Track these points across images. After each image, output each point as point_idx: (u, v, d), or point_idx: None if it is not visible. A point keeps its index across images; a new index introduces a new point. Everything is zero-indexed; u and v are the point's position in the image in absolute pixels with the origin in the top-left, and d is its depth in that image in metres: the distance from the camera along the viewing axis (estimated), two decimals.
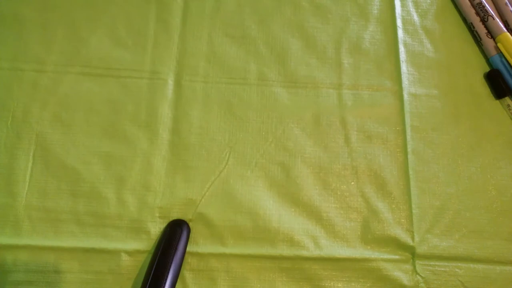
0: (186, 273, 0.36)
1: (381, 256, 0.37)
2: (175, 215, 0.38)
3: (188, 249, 0.37)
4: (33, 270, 0.36)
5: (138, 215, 0.38)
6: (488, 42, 0.44)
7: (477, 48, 0.45)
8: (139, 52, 0.43)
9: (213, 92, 0.42)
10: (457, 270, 0.37)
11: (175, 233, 0.36)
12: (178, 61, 0.43)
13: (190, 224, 0.38)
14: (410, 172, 0.40)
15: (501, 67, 0.43)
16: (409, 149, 0.41)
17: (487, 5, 0.45)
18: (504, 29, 0.43)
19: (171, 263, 0.34)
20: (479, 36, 0.45)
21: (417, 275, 0.37)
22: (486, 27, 0.44)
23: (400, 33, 0.45)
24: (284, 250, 0.37)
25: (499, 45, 0.43)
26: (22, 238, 0.37)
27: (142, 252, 0.37)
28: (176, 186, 0.39)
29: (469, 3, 0.46)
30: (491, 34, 0.44)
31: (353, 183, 0.40)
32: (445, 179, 0.40)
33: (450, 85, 0.44)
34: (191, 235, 0.37)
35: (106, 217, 0.38)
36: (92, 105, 0.41)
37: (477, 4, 0.45)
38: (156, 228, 0.37)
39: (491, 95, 0.43)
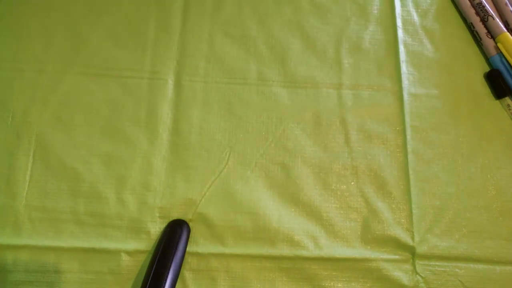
0: (186, 273, 0.36)
1: (381, 256, 0.37)
2: (175, 215, 0.38)
3: (188, 249, 0.37)
4: (33, 270, 0.36)
5: (138, 215, 0.38)
6: (488, 42, 0.44)
7: (477, 48, 0.45)
8: (139, 52, 0.43)
9: (213, 92, 0.42)
10: (457, 270, 0.37)
11: (175, 233, 0.36)
12: (178, 61, 0.43)
13: (190, 224, 0.38)
14: (410, 172, 0.40)
15: (501, 67, 0.43)
16: (409, 149, 0.41)
17: (487, 5, 0.45)
18: (504, 29, 0.43)
19: (171, 263, 0.34)
20: (479, 36, 0.45)
21: (417, 275, 0.37)
22: (486, 27, 0.44)
23: (400, 33, 0.45)
24: (284, 250, 0.37)
25: (499, 45, 0.43)
26: (22, 238, 0.37)
27: (142, 252, 0.37)
28: (176, 186, 0.39)
29: (469, 3, 0.46)
30: (491, 34, 0.44)
31: (353, 183, 0.40)
32: (445, 179, 0.40)
33: (450, 85, 0.44)
34: (191, 235, 0.37)
35: (106, 217, 0.38)
36: (92, 105, 0.41)
37: (477, 4, 0.45)
38: (156, 228, 0.37)
39: (491, 95, 0.43)
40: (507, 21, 0.45)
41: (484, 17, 0.44)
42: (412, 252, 0.38)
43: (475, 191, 0.40)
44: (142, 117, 0.41)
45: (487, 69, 0.44)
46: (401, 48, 0.45)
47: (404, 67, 0.44)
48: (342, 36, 0.45)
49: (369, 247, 0.38)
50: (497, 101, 0.43)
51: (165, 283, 0.33)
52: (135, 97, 0.41)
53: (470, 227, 0.39)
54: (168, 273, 0.33)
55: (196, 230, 0.38)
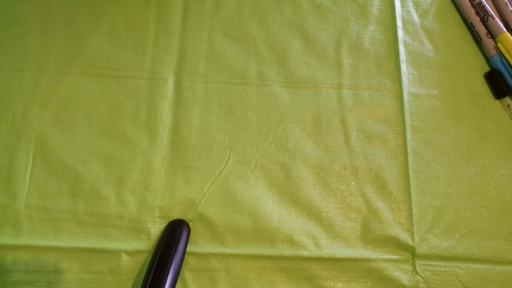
0: (186, 273, 0.36)
1: (381, 256, 0.37)
2: (175, 215, 0.38)
3: (188, 249, 0.37)
4: (33, 270, 0.36)
5: (138, 215, 0.38)
6: (488, 42, 0.44)
7: (477, 48, 0.45)
8: (139, 52, 0.43)
9: (213, 92, 0.42)
10: (457, 270, 0.37)
11: (175, 233, 0.36)
12: (178, 61, 0.43)
13: (190, 224, 0.38)
14: (410, 172, 0.40)
15: (501, 67, 0.43)
16: (409, 149, 0.41)
17: (487, 5, 0.45)
18: (504, 29, 0.43)
19: (171, 263, 0.34)
20: (479, 36, 0.45)
21: (417, 275, 0.37)
22: (486, 27, 0.44)
23: (400, 33, 0.45)
24: (284, 250, 0.37)
25: (499, 45, 0.43)
26: (22, 238, 0.37)
27: (142, 252, 0.37)
28: (176, 186, 0.39)
29: (469, 3, 0.46)
30: (491, 34, 0.44)
31: (353, 183, 0.40)
32: (445, 179, 0.40)
33: (450, 85, 0.44)
34: (191, 235, 0.37)
35: (106, 217, 0.38)
36: (92, 105, 0.41)
37: (477, 4, 0.45)
38: (156, 228, 0.37)
39: (491, 95, 0.43)
40: (507, 21, 0.45)
41: (484, 17, 0.44)
42: (412, 252, 0.38)
43: (475, 191, 0.40)
44: (142, 117, 0.41)
45: (487, 69, 0.44)
46: (401, 48, 0.45)
47: (404, 67, 0.44)
48: (342, 36, 0.45)
49: (369, 247, 0.38)
50: (497, 101, 0.43)
51: (165, 283, 0.33)
52: (135, 97, 0.41)
53: (470, 227, 0.39)
54: (168, 273, 0.33)
55: (196, 230, 0.38)
